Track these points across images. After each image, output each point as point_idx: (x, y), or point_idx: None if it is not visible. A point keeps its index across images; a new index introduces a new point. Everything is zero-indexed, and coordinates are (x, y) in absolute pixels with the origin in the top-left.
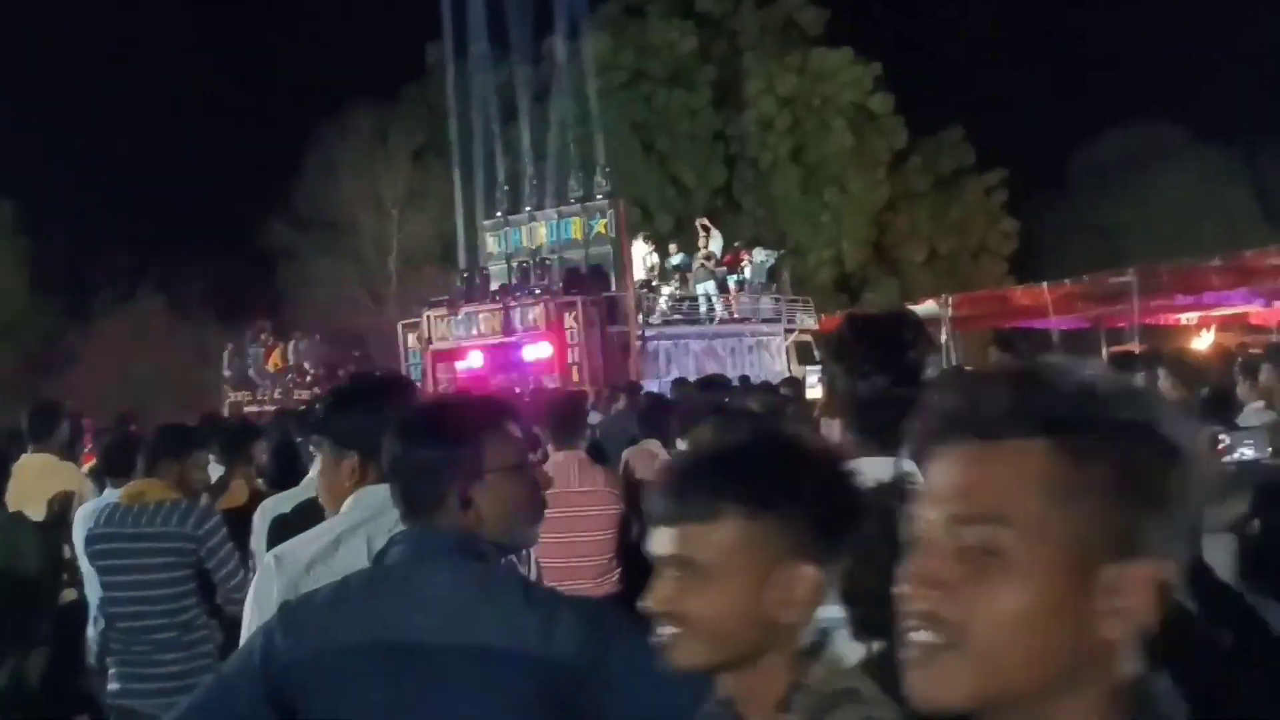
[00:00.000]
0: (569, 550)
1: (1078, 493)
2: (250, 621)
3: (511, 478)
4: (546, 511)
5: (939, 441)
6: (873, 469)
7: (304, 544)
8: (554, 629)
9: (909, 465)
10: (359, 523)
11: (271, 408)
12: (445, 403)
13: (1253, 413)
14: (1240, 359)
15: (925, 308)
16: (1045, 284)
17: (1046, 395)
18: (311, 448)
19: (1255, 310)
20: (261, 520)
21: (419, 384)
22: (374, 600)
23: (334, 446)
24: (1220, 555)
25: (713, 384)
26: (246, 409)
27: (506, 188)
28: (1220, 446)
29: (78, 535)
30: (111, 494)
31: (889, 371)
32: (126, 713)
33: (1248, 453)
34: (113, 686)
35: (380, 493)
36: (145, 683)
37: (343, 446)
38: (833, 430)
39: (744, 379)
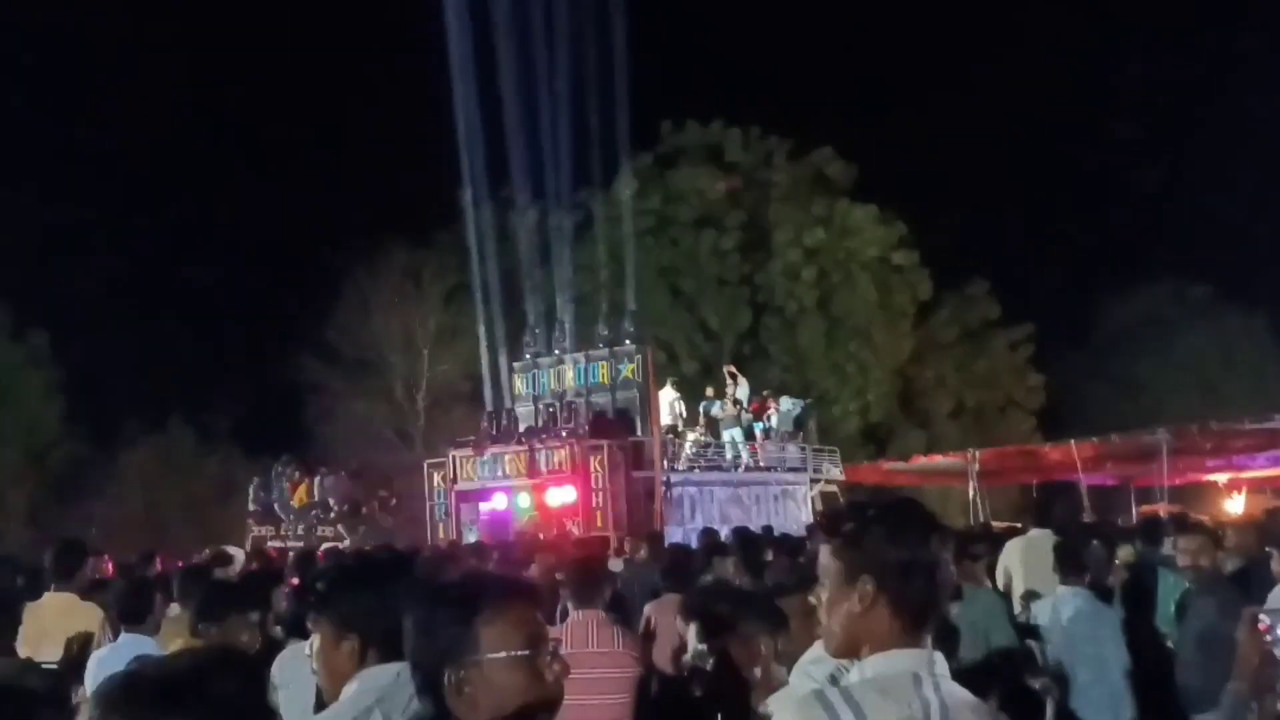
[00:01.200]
0: (583, 713)
1: None
2: None
3: (512, 666)
4: None
5: None
6: (906, 662)
7: None
8: None
9: (940, 662)
10: (371, 705)
11: (296, 544)
12: (451, 584)
13: None
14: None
15: (952, 461)
16: (1073, 441)
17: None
18: (309, 624)
19: None
20: (280, 674)
21: (443, 523)
22: None
23: (334, 628)
24: None
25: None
26: (270, 544)
27: (536, 330)
28: (1262, 626)
29: (91, 679)
30: (127, 639)
31: (937, 553)
32: None
33: None
34: None
35: (387, 673)
36: None
37: (344, 628)
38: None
39: (767, 529)
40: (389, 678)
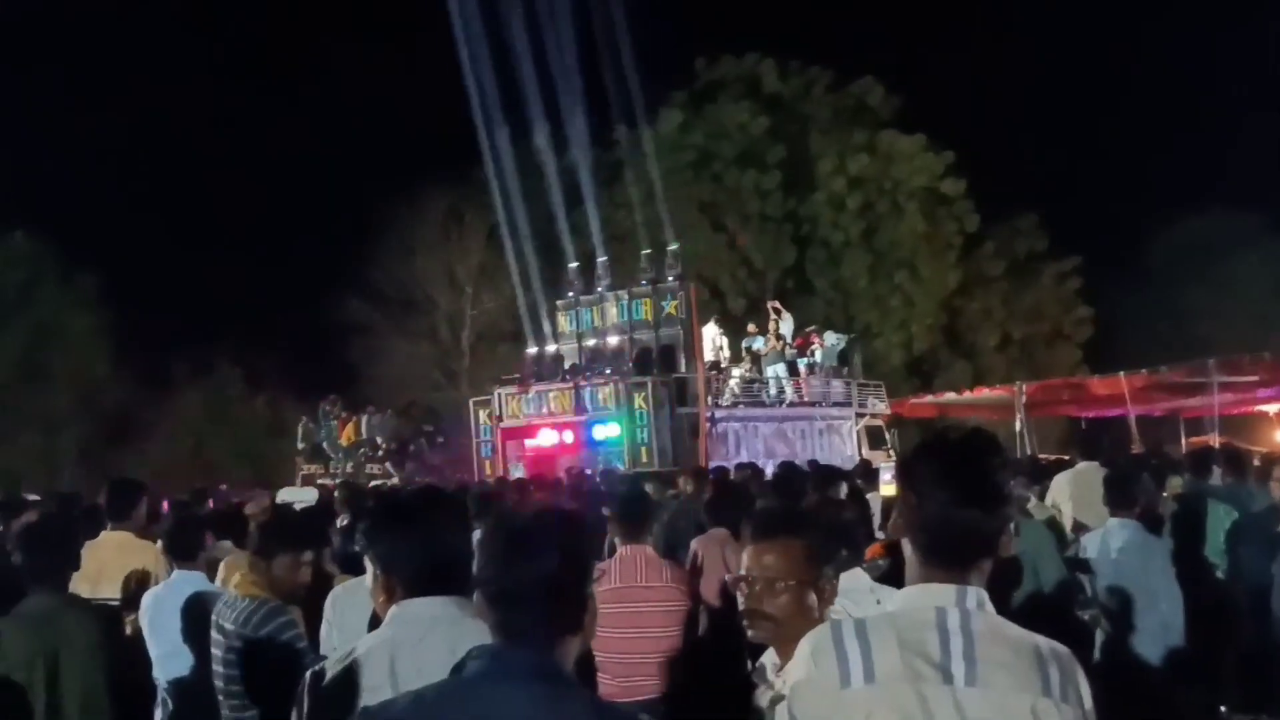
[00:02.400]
0: (632, 646)
1: None
2: None
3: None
4: (612, 608)
5: None
6: (931, 597)
7: (331, 662)
8: None
9: (975, 597)
10: (388, 638)
11: (344, 480)
12: (538, 523)
13: None
14: None
15: (998, 395)
16: (1123, 373)
17: None
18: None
19: None
20: (333, 611)
21: (489, 460)
22: (451, 714)
23: (374, 564)
24: None
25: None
26: (319, 482)
27: (576, 265)
28: None
29: (145, 615)
30: (180, 576)
31: (957, 493)
32: None
33: None
34: None
35: (417, 611)
36: None
37: (383, 566)
38: (905, 549)
39: (813, 462)
40: (418, 615)
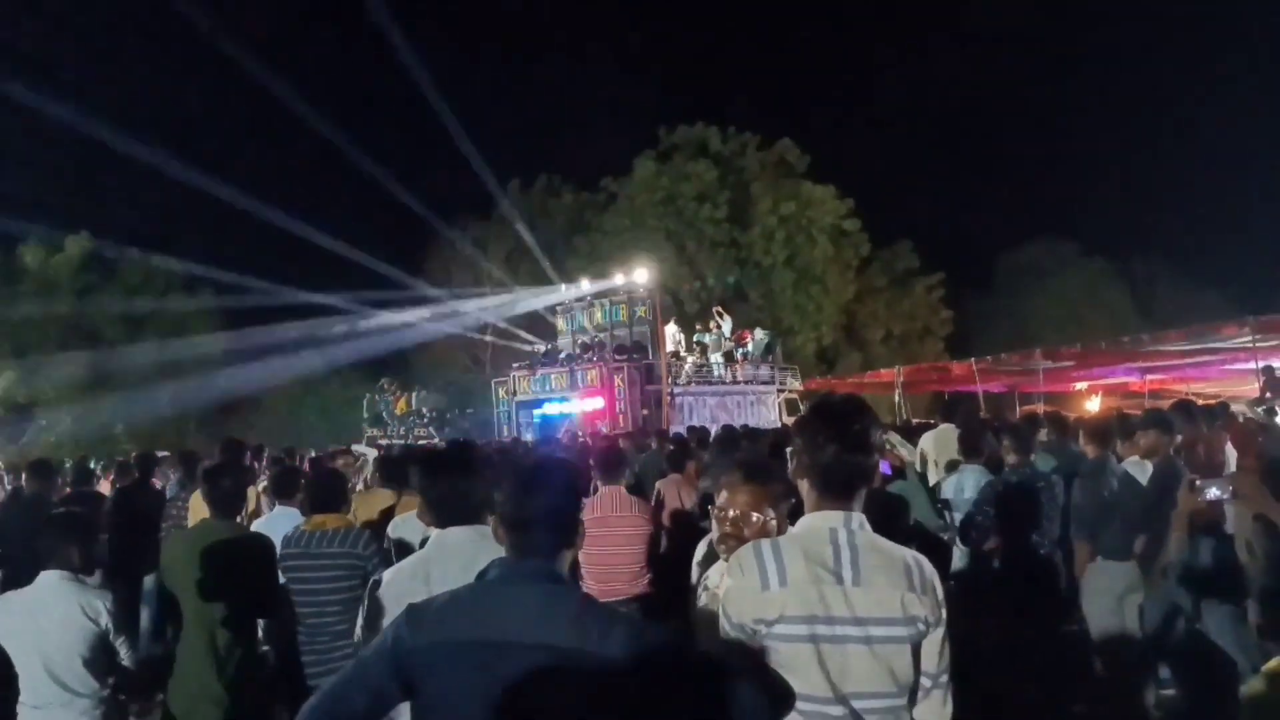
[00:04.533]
0: (610, 560)
1: None
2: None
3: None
4: (595, 531)
5: None
6: (826, 521)
7: (386, 573)
8: (609, 633)
9: (857, 519)
10: (422, 558)
11: (399, 442)
12: (545, 467)
13: (1133, 465)
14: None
15: (883, 377)
16: (973, 360)
17: None
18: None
19: (1133, 381)
20: (394, 530)
21: (506, 425)
22: (478, 608)
23: (423, 496)
24: None
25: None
26: (380, 442)
27: (573, 284)
28: (1196, 485)
29: None
30: (280, 510)
31: (840, 443)
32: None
33: (1215, 491)
34: (308, 669)
35: (445, 537)
36: (328, 665)
37: (425, 499)
38: (802, 487)
39: (745, 426)
40: (443, 538)
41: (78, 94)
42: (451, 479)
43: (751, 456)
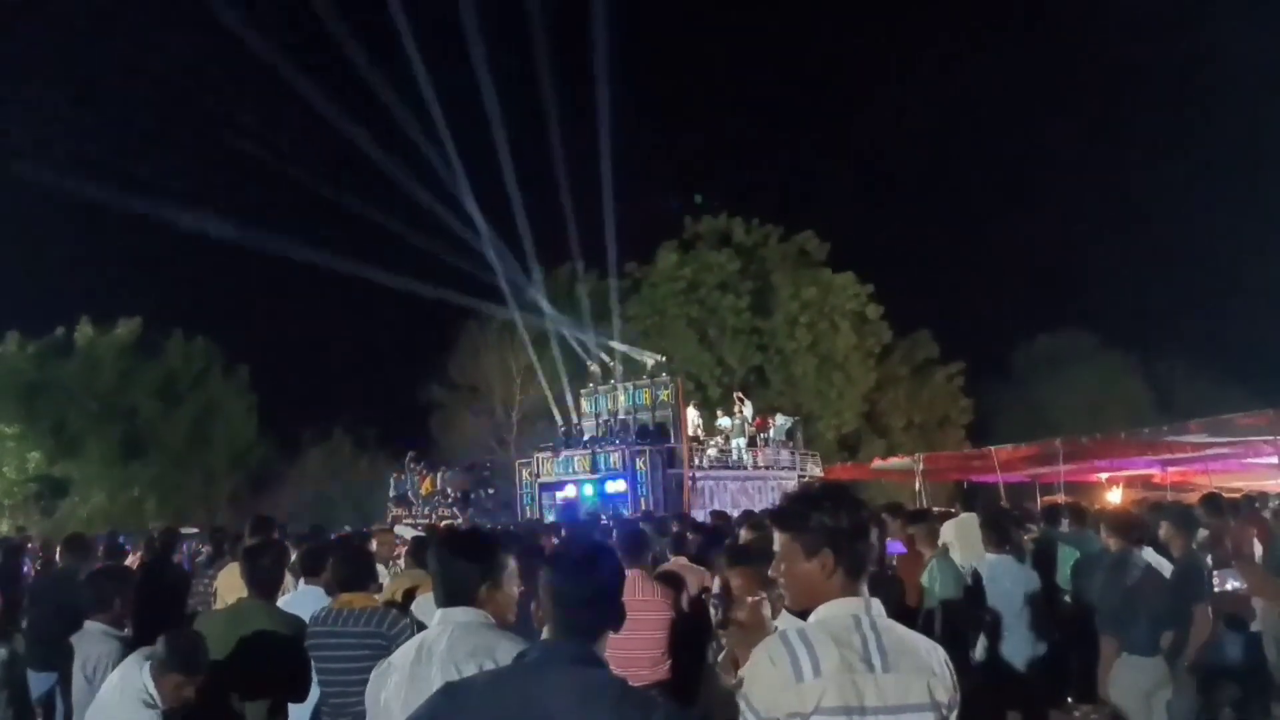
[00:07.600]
0: (629, 645)
1: None
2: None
3: None
4: None
5: None
6: (847, 608)
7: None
8: (649, 718)
9: (876, 606)
10: (422, 636)
11: (423, 521)
12: (596, 549)
13: (1148, 555)
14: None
15: (903, 463)
16: (993, 448)
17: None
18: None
19: (1155, 473)
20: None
21: (529, 506)
22: (519, 691)
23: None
24: None
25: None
26: (405, 522)
27: (595, 367)
28: (1217, 578)
29: None
30: (306, 588)
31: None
32: None
33: (1235, 583)
34: None
35: (446, 615)
36: None
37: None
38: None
39: (765, 510)
40: (445, 616)
41: (137, 183)
42: (449, 560)
43: (741, 542)
